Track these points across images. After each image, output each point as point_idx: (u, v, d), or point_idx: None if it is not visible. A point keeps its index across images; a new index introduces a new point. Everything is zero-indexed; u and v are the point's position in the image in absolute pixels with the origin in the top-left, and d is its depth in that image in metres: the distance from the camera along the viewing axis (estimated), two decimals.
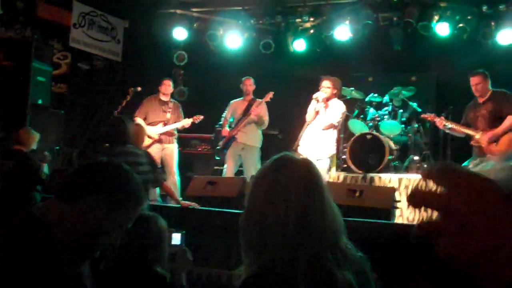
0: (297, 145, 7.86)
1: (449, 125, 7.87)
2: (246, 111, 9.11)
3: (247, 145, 9.06)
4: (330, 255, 1.90)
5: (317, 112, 8.10)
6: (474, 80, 7.68)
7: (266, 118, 9.13)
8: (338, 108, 8.10)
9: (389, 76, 11.13)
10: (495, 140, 7.45)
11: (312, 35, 10.91)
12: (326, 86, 8.10)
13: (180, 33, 11.36)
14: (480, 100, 7.72)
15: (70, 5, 10.57)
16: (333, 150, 8.10)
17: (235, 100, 9.45)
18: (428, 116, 8.29)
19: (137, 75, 11.07)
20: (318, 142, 8.02)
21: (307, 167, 2.00)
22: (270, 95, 9.09)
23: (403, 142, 9.88)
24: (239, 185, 7.04)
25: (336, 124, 8.13)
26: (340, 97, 8.45)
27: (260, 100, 9.16)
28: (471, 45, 9.89)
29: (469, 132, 7.71)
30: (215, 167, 9.94)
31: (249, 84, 9.31)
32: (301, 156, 2.07)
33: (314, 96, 8.07)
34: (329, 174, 8.37)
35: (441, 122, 7.95)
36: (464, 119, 7.90)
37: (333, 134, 8.14)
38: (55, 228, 1.93)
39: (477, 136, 7.60)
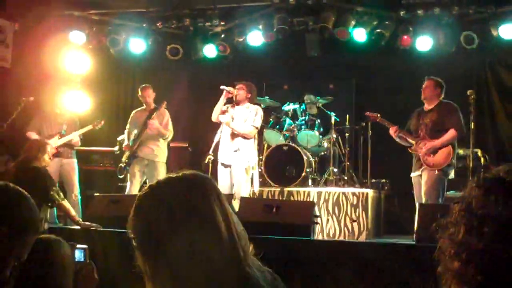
0: (208, 157, 7.83)
1: (401, 134, 7.95)
2: (147, 123, 8.98)
3: (151, 161, 8.93)
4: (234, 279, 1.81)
5: (223, 112, 8.24)
6: (425, 83, 7.93)
7: (168, 129, 9.04)
8: (258, 111, 8.26)
9: (305, 83, 11.27)
10: (433, 151, 7.65)
11: (223, 40, 10.89)
12: (240, 88, 8.29)
13: (77, 37, 11.06)
14: (426, 108, 7.95)
15: None
16: (254, 158, 8.20)
17: (136, 110, 9.32)
18: (372, 115, 8.40)
19: (29, 83, 10.68)
20: (236, 149, 8.09)
21: (202, 183, 1.92)
22: (163, 105, 9.04)
23: (321, 154, 10.03)
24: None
25: (258, 127, 8.31)
26: (254, 102, 8.55)
27: (162, 109, 9.08)
28: (390, 51, 10.19)
29: (409, 139, 7.91)
30: (120, 184, 9.74)
31: (147, 95, 9.14)
32: (186, 172, 1.94)
33: (222, 87, 8.23)
34: (251, 186, 8.36)
35: (395, 130, 7.95)
36: (407, 126, 8.08)
37: (253, 140, 8.29)
38: None
39: (417, 143, 7.78)
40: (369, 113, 8.47)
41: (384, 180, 9.86)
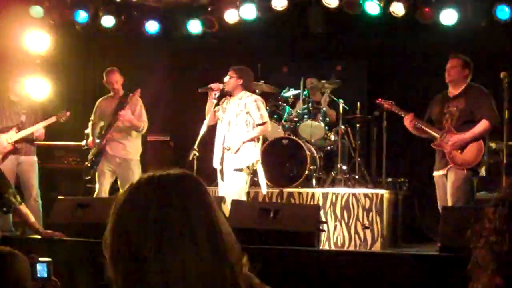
0: (193, 153, 7.80)
1: (417, 124, 7.81)
2: (116, 113, 8.92)
3: (123, 159, 8.92)
4: None
5: (214, 112, 8.20)
6: (451, 62, 7.73)
7: (142, 120, 9.02)
8: (257, 103, 8.19)
9: (308, 65, 11.29)
10: (461, 146, 7.50)
11: (210, 14, 10.79)
12: (229, 76, 8.20)
13: (36, 11, 10.97)
14: (451, 94, 7.75)
15: None
16: (254, 157, 8.14)
17: (102, 98, 9.28)
18: (385, 103, 8.28)
19: None
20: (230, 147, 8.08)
21: (188, 183, 1.92)
22: (137, 93, 8.99)
23: (327, 148, 10.05)
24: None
25: (266, 121, 8.23)
26: (250, 89, 8.50)
27: (135, 96, 9.02)
28: (409, 26, 10.17)
29: (431, 132, 7.74)
30: (88, 185, 9.72)
31: (114, 80, 9.07)
32: (176, 171, 1.95)
33: (200, 90, 8.21)
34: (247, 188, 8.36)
35: (410, 119, 7.82)
36: (427, 115, 7.92)
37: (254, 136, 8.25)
38: None
39: (441, 137, 7.61)
40: (381, 100, 8.38)
41: (402, 180, 9.89)
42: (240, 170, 8.00)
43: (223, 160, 8.12)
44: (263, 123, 8.18)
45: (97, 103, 9.26)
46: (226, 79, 8.21)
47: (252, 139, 8.13)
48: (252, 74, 8.48)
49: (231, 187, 7.98)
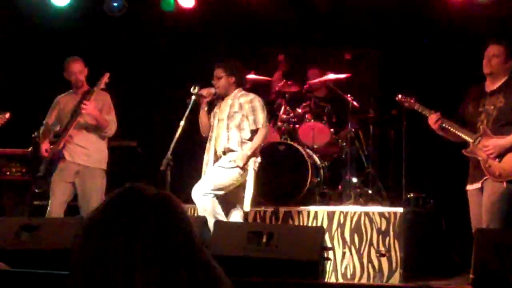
0: (166, 161, 7.81)
1: (444, 124, 7.67)
2: (77, 108, 8.85)
3: (84, 166, 8.89)
4: None
5: (205, 120, 8.33)
6: (492, 50, 7.56)
7: (110, 119, 9.02)
8: (253, 103, 8.27)
9: (309, 52, 11.33)
10: (500, 154, 7.39)
11: None
12: (216, 77, 8.28)
13: None
14: (489, 88, 7.65)
15: None
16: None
17: (63, 94, 9.22)
18: (406, 100, 8.09)
19: None
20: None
21: (165, 206, 2.00)
22: (105, 78, 8.96)
23: (333, 156, 10.08)
24: (76, 231, 6.90)
25: (266, 124, 8.33)
26: (244, 85, 8.51)
27: (101, 90, 8.97)
28: (433, 3, 10.21)
29: (462, 135, 7.65)
30: (35, 202, 9.68)
31: (77, 70, 8.96)
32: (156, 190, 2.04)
33: (197, 93, 8.19)
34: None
35: (435, 119, 7.67)
36: (459, 114, 7.82)
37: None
38: None
39: (474, 142, 7.51)
40: (401, 97, 8.32)
41: (426, 195, 9.87)
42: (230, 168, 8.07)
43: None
44: (264, 127, 8.30)
45: (55, 100, 9.18)
46: (214, 81, 8.24)
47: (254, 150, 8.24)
48: (242, 67, 8.50)
49: (211, 178, 8.08)
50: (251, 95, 8.41)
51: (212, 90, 8.25)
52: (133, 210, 1.95)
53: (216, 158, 8.22)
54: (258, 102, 8.32)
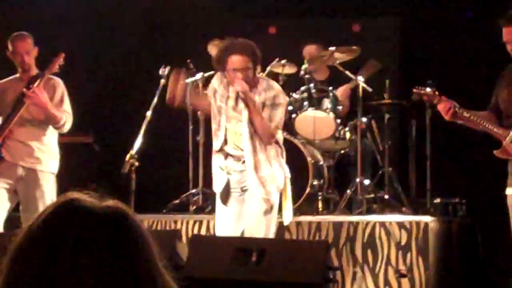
0: (130, 162, 7.79)
1: (466, 113, 7.72)
2: (22, 100, 8.83)
3: (28, 169, 8.84)
4: None
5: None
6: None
7: (63, 109, 8.95)
8: (276, 97, 8.16)
9: (308, 23, 11.38)
10: None
11: None
12: (241, 67, 8.07)
13: None
14: None
15: None
16: (282, 177, 8.15)
17: (4, 80, 9.21)
18: (426, 92, 8.04)
19: None
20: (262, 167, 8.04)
21: (116, 225, 1.99)
22: (59, 59, 8.92)
23: (340, 153, 10.08)
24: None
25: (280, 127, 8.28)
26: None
27: (50, 75, 8.94)
28: None
29: (493, 129, 7.69)
30: None
31: (23, 50, 8.93)
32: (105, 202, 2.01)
33: (238, 89, 8.08)
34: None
35: (449, 106, 7.68)
36: (493, 101, 7.85)
37: (276, 147, 8.23)
38: None
39: (508, 138, 7.56)
40: (419, 89, 8.29)
41: (456, 200, 9.84)
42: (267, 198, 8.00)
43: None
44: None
45: None
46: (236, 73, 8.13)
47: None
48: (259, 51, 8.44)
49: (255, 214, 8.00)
50: (277, 87, 8.37)
51: (245, 86, 8.10)
52: (73, 231, 1.93)
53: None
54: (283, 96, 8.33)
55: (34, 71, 8.96)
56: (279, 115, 8.13)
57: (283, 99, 8.25)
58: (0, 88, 9.07)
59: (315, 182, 9.25)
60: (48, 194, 8.68)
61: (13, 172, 8.81)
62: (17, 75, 9.05)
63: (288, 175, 8.19)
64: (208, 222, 9.09)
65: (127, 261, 1.93)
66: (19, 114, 8.77)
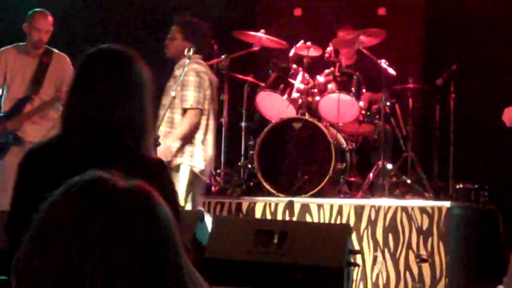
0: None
1: None
2: (40, 76, 8.94)
3: None
4: None
5: None
6: None
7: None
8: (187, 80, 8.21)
9: (335, 6, 11.33)
10: None
11: None
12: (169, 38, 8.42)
13: None
14: None
15: None
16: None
17: (7, 48, 9.29)
18: None
19: None
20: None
21: (143, 204, 1.95)
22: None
23: (363, 137, 10.05)
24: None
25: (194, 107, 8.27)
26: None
27: (61, 53, 9.09)
28: None
29: None
30: None
31: (44, 28, 9.05)
32: (131, 183, 1.98)
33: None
34: None
35: None
36: None
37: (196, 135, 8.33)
38: None
39: None
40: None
41: (479, 186, 9.81)
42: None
43: None
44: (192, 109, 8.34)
45: None
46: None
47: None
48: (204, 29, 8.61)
49: None
50: (195, 65, 8.31)
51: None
52: (103, 209, 1.89)
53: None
54: (193, 73, 8.26)
55: (43, 47, 9.07)
56: (191, 94, 8.25)
57: (192, 71, 8.27)
58: (12, 58, 9.12)
59: (339, 166, 9.22)
60: None
61: None
62: (22, 48, 9.15)
63: None
64: (230, 204, 9.11)
65: (155, 243, 1.89)
66: (38, 96, 8.88)
